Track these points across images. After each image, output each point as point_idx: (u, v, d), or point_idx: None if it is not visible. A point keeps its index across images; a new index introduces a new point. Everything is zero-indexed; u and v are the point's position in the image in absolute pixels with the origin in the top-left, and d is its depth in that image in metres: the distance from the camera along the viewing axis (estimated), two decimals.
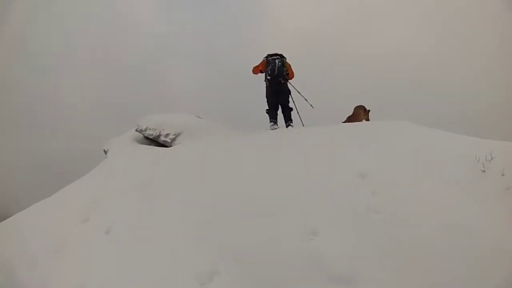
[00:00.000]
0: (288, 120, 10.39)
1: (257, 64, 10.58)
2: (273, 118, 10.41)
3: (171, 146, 11.34)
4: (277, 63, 9.99)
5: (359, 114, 10.63)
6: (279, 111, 10.65)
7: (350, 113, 11.15)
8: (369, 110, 10.73)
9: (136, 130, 12.58)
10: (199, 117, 13.43)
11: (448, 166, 5.68)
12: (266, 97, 10.43)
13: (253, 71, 10.74)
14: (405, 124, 7.72)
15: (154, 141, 12.20)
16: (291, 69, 10.38)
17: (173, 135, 11.59)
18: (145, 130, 12.27)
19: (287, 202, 5.23)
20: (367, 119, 10.48)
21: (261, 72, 10.58)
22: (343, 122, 10.58)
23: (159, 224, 5.31)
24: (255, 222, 4.98)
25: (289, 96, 10.54)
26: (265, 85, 10.40)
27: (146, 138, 12.55)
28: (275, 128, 10.25)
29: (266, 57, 10.31)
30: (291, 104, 10.69)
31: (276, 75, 10.01)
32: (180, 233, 5.03)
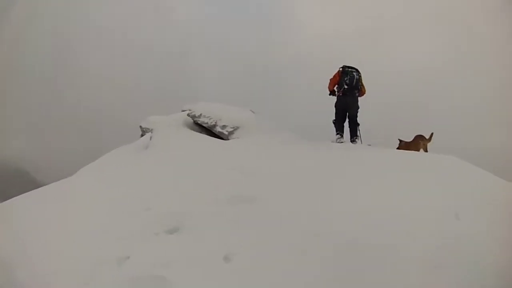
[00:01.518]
0: (354, 136, 9.62)
1: (331, 77, 9.79)
2: (340, 131, 9.66)
3: (227, 139, 10.33)
4: (355, 75, 9.45)
5: (419, 143, 9.96)
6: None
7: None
8: (431, 135, 10.03)
9: (188, 115, 11.40)
10: (252, 111, 12.49)
11: None
12: (336, 107, 9.75)
13: (329, 87, 9.85)
14: (455, 160, 6.97)
15: (205, 129, 11.19)
16: (364, 86, 9.76)
17: (231, 128, 10.43)
18: (199, 116, 11.09)
19: (401, 239, 4.32)
20: (426, 150, 9.87)
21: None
22: (398, 148, 9.85)
23: (282, 258, 4.08)
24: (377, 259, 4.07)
25: (358, 111, 9.73)
26: (336, 95, 9.78)
27: (196, 124, 11.54)
28: (342, 142, 9.45)
29: (342, 67, 9.64)
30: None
31: (354, 86, 9.45)
32: (311, 270, 3.98)
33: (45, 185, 9.66)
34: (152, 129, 11.88)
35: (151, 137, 11.48)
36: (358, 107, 9.65)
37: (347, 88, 9.42)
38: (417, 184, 5.70)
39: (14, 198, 8.21)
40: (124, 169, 8.82)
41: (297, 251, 4.26)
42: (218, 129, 10.61)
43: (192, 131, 10.77)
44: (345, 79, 9.42)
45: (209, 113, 11.03)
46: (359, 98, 9.66)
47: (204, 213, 5.04)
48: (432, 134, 9.67)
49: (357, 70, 9.62)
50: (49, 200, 7.45)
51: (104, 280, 4.28)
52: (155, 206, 5.46)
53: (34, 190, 9.16)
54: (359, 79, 9.54)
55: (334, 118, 9.76)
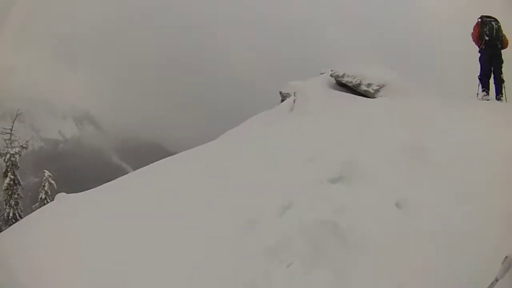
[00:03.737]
0: (498, 93, 8.58)
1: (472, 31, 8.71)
2: (486, 87, 8.61)
3: (374, 97, 9.82)
4: (494, 25, 8.45)
5: None
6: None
7: None
8: None
9: (331, 75, 11.06)
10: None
11: None
12: (480, 62, 8.73)
13: (475, 41, 8.72)
14: None
15: (349, 90, 10.78)
16: (505, 36, 8.55)
17: (377, 86, 9.84)
18: (342, 76, 10.67)
19: None
20: None
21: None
22: None
23: (454, 206, 3.67)
24: None
25: (502, 66, 8.63)
26: (478, 49, 8.71)
27: (339, 85, 11.19)
28: (488, 99, 8.41)
29: (481, 17, 8.64)
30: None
31: (495, 38, 8.44)
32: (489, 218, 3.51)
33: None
34: (294, 93, 11.84)
35: (294, 100, 11.47)
36: (502, 61, 8.61)
37: (488, 40, 8.43)
38: None
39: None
40: (273, 129, 8.85)
41: (471, 199, 3.80)
42: (363, 87, 10.09)
43: (337, 91, 10.43)
44: (485, 30, 8.47)
45: (353, 72, 10.54)
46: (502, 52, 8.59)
47: (372, 163, 4.72)
48: None
49: (495, 20, 8.58)
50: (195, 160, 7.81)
51: (267, 227, 4.25)
52: (317, 157, 5.31)
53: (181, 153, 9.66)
54: (499, 29, 8.51)
55: (479, 74, 8.76)
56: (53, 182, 19.98)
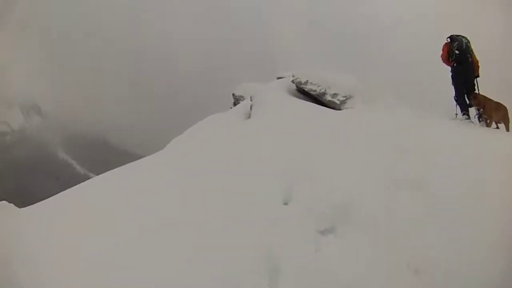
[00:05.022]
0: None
1: (441, 53, 8.29)
2: (466, 110, 7.96)
3: (340, 109, 9.09)
4: (463, 40, 8.10)
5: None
6: None
7: None
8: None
9: (293, 81, 10.23)
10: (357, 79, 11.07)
11: None
12: (454, 80, 8.17)
13: (445, 63, 8.28)
14: None
15: (310, 98, 9.98)
16: (475, 55, 8.09)
17: (343, 96, 9.17)
18: (305, 83, 9.85)
19: None
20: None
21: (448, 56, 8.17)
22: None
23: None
24: None
25: (475, 85, 8.09)
26: (450, 69, 8.20)
27: (301, 92, 10.37)
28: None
29: (450, 36, 8.34)
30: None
31: (464, 50, 7.99)
32: None
33: (136, 156, 8.80)
34: (251, 97, 10.89)
35: (251, 106, 10.52)
36: (474, 77, 8.13)
37: (458, 54, 7.99)
38: None
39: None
40: (232, 144, 7.67)
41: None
42: (328, 97, 9.33)
43: (299, 100, 9.57)
44: (454, 45, 8.08)
45: (317, 79, 9.75)
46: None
47: (366, 204, 3.84)
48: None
49: (464, 37, 8.25)
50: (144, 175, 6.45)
51: None
52: (296, 195, 4.32)
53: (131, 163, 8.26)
54: (469, 43, 8.14)
55: (455, 95, 8.21)
56: None
